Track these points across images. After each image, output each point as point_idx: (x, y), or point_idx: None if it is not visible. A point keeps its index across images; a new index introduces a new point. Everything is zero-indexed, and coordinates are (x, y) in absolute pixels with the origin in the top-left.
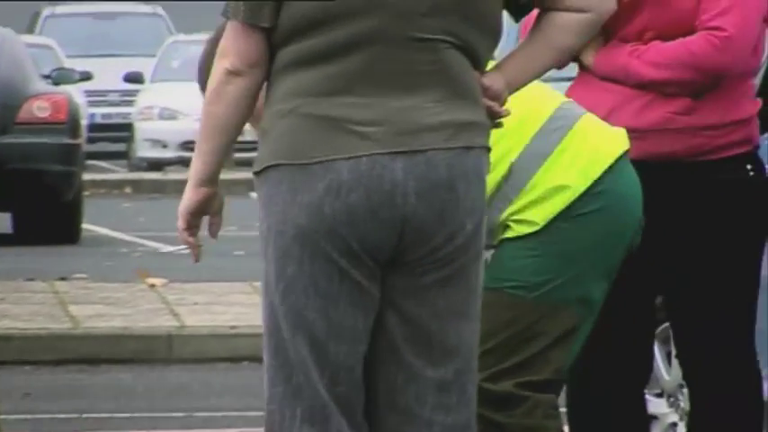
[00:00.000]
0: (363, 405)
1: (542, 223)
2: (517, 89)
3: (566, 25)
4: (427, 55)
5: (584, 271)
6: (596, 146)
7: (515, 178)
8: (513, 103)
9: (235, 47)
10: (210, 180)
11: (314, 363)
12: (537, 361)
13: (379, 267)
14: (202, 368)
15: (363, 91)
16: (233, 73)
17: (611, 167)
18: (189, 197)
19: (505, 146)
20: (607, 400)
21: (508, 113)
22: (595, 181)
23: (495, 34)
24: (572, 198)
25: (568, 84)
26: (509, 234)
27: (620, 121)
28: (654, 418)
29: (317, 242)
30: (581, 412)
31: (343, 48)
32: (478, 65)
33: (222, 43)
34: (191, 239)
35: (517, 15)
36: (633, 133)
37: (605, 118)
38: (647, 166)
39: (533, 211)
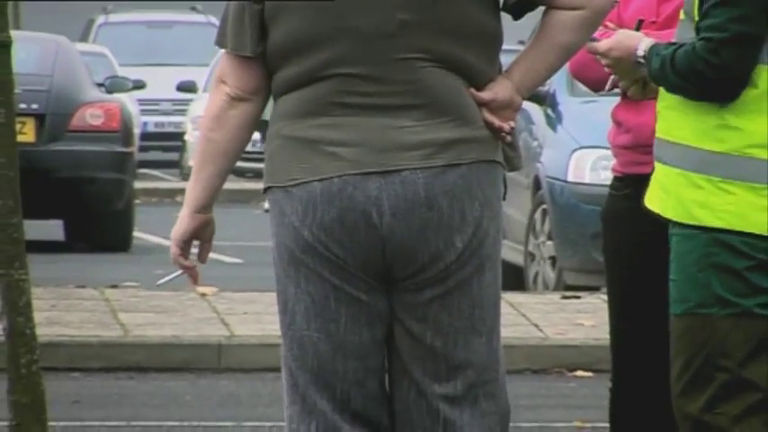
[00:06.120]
0: (388, 416)
1: None
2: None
3: (562, 23)
4: (402, 75)
5: None
6: None
7: None
8: None
9: (234, 76)
10: (207, 207)
11: (322, 387)
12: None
13: (377, 282)
14: (251, 377)
15: (337, 112)
16: (236, 99)
17: None
18: (185, 224)
19: None
20: (654, 412)
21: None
22: None
23: (486, 42)
24: None
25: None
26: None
27: None
28: None
29: (306, 263)
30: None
31: (315, 74)
32: (474, 78)
33: (219, 71)
34: (186, 263)
35: (515, 15)
36: None
37: None
38: None
39: None
